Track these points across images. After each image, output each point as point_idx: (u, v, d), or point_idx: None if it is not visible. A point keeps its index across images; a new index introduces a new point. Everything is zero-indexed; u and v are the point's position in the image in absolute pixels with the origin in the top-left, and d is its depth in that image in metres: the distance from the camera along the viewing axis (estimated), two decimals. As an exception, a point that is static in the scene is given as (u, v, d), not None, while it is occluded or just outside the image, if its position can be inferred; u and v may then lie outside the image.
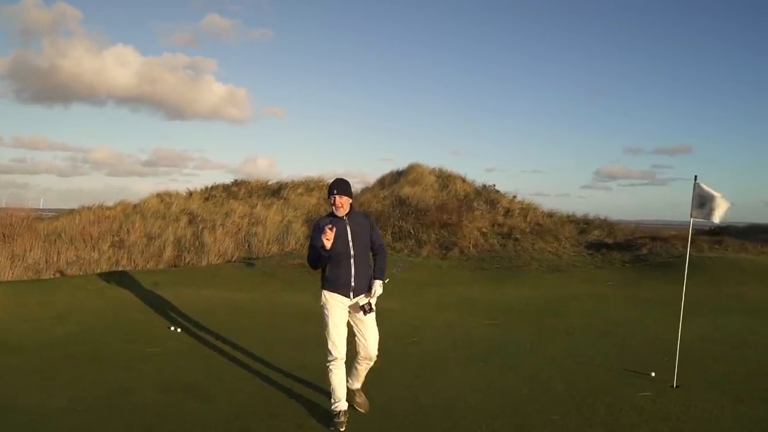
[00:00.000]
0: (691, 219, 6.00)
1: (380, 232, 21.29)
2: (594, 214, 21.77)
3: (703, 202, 5.82)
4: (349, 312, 4.87)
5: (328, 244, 4.59)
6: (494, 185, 23.63)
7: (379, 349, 4.99)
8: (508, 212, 21.69)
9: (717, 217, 5.74)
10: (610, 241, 19.37)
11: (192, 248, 18.35)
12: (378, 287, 4.89)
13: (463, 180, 24.10)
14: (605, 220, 21.20)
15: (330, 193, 4.85)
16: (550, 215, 21.93)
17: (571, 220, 21.59)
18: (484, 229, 19.20)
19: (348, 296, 4.80)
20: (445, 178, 23.83)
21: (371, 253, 4.99)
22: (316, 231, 4.78)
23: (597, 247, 18.35)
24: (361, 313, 4.79)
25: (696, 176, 5.86)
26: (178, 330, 8.10)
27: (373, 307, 4.83)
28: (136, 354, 6.95)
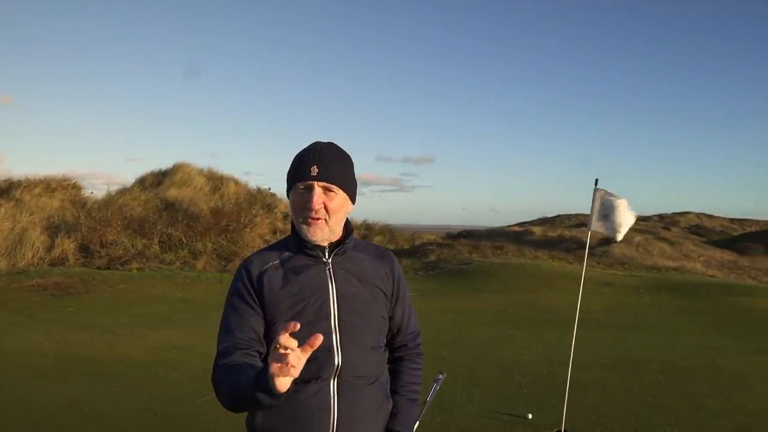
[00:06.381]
0: (589, 232, 5.00)
1: (149, 242, 17.42)
2: (372, 220, 21.31)
3: (606, 213, 4.69)
4: None
5: (281, 385, 1.27)
6: (269, 188, 21.98)
7: None
8: (287, 217, 20.27)
9: (621, 235, 4.71)
10: (393, 247, 18.96)
11: None
12: None
13: (236, 182, 22.04)
14: (387, 226, 20.85)
15: (296, 176, 1.65)
16: (331, 221, 20.97)
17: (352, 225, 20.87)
18: (266, 237, 17.43)
19: None
20: (216, 180, 21.55)
21: (386, 356, 1.87)
22: (235, 304, 1.66)
23: (384, 254, 17.75)
24: None
25: (597, 180, 4.78)
26: None
27: None
28: None
